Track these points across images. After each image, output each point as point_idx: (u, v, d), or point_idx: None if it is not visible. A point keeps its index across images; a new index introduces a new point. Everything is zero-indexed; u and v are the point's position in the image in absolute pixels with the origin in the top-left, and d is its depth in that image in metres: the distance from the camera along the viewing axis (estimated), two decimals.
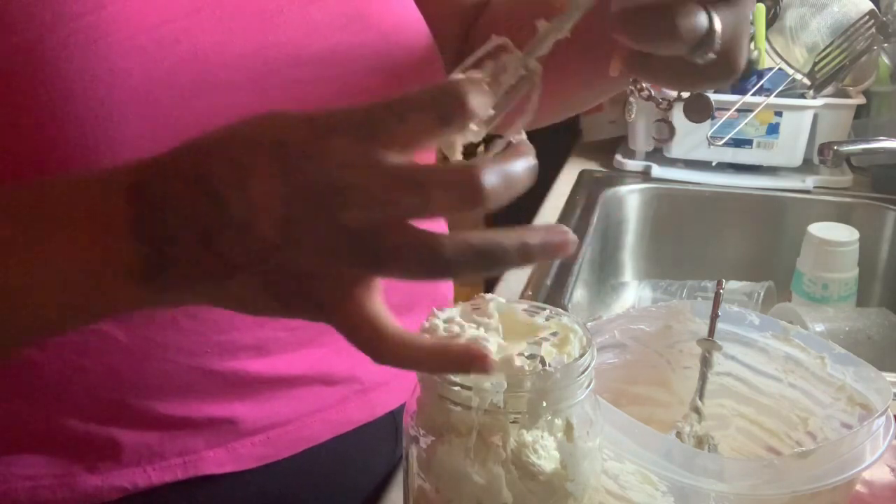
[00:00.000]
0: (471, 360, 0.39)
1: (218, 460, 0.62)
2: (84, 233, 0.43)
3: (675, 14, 0.48)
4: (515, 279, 1.11)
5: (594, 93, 0.71)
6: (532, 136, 0.76)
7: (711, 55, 0.50)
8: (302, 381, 0.64)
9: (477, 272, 0.39)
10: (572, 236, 0.40)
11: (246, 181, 0.39)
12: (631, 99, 1.33)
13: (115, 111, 0.51)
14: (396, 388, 0.69)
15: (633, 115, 1.39)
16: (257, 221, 0.39)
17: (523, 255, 0.39)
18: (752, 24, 1.40)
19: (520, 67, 0.45)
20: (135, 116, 0.52)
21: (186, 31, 0.54)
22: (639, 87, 0.64)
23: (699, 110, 0.64)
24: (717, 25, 0.50)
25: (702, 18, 0.50)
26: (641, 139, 1.48)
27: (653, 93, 0.64)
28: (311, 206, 0.38)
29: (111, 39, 0.51)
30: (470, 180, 0.38)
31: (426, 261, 0.38)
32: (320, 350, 0.64)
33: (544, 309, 0.51)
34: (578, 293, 1.20)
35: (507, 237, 0.39)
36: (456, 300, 0.55)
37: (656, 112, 1.44)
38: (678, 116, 1.41)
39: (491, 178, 0.38)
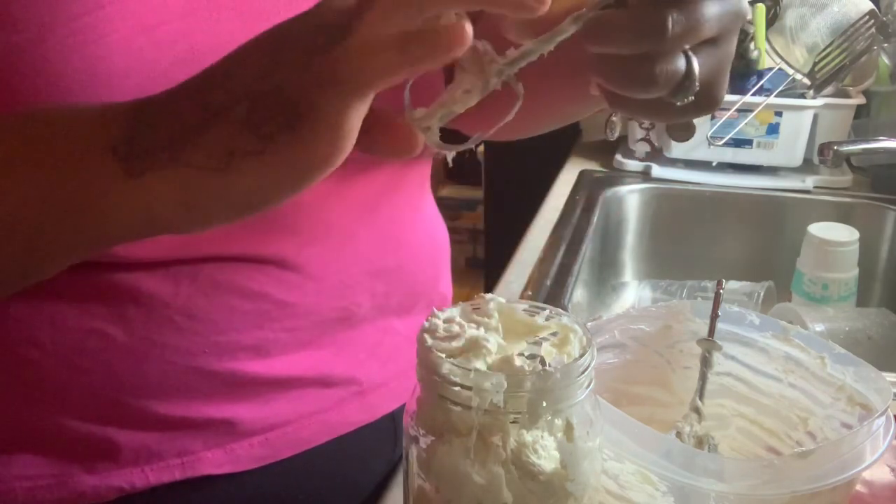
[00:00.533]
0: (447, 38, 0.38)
1: (216, 461, 0.62)
2: (82, 120, 0.45)
3: (653, 62, 0.47)
4: (516, 279, 1.11)
5: (580, 108, 0.72)
6: (532, 136, 0.77)
7: (690, 97, 0.49)
8: (301, 382, 0.64)
9: None
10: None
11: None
12: (614, 118, 1.34)
13: None
14: (395, 389, 0.69)
15: (615, 134, 1.40)
16: (241, 63, 0.41)
17: None
18: (752, 24, 1.40)
19: (498, 75, 0.46)
20: None
21: (183, 32, 0.54)
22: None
23: (683, 129, 0.64)
24: (696, 68, 0.48)
25: (680, 63, 0.48)
26: (640, 138, 1.48)
27: None
28: None
29: (109, 40, 0.51)
30: None
31: None
32: (319, 352, 0.64)
33: (544, 309, 0.51)
34: (578, 293, 1.20)
35: None
36: (456, 300, 0.55)
37: (639, 130, 1.45)
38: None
39: None
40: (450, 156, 0.47)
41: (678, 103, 0.50)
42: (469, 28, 0.38)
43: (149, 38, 0.53)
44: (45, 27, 0.50)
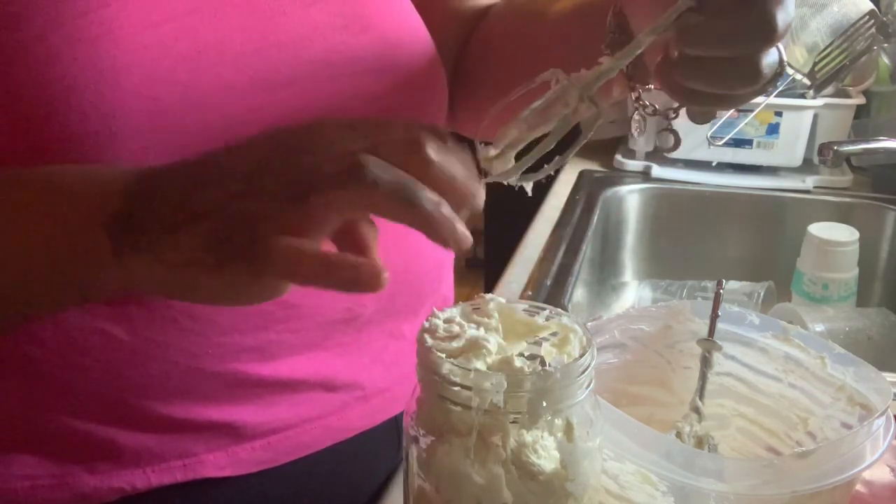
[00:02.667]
0: (356, 276, 0.42)
1: (217, 464, 0.62)
2: (80, 193, 0.48)
3: (760, 58, 0.50)
4: (516, 279, 1.11)
5: None
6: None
7: (779, 84, 0.52)
8: (303, 385, 0.64)
9: (392, 199, 0.42)
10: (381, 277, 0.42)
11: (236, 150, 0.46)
12: (636, 116, 1.34)
13: (118, 107, 0.52)
14: (399, 394, 0.69)
15: (641, 132, 1.40)
16: (229, 174, 0.44)
17: (430, 218, 0.42)
18: None
19: (576, 98, 0.49)
20: (137, 112, 0.52)
21: (188, 30, 0.54)
22: (642, 103, 0.64)
23: (705, 112, 0.65)
24: (784, 54, 0.51)
25: (775, 54, 0.51)
26: (641, 139, 1.48)
27: (658, 107, 0.64)
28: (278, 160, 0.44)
29: (114, 37, 0.51)
30: (416, 143, 0.42)
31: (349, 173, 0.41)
32: (323, 354, 0.64)
33: (544, 309, 0.51)
34: (578, 293, 1.20)
35: (425, 193, 0.42)
36: (456, 300, 0.55)
37: (659, 122, 1.44)
38: (679, 117, 1.41)
39: (435, 151, 0.42)
40: (528, 186, 0.51)
41: (769, 89, 0.53)
42: (385, 280, 0.42)
43: (154, 34, 0.53)
44: (52, 23, 0.51)
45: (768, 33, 0.49)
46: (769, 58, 0.51)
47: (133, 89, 0.52)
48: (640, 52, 0.52)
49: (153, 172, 0.47)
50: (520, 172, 0.49)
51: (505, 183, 0.51)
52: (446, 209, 0.42)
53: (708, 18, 0.50)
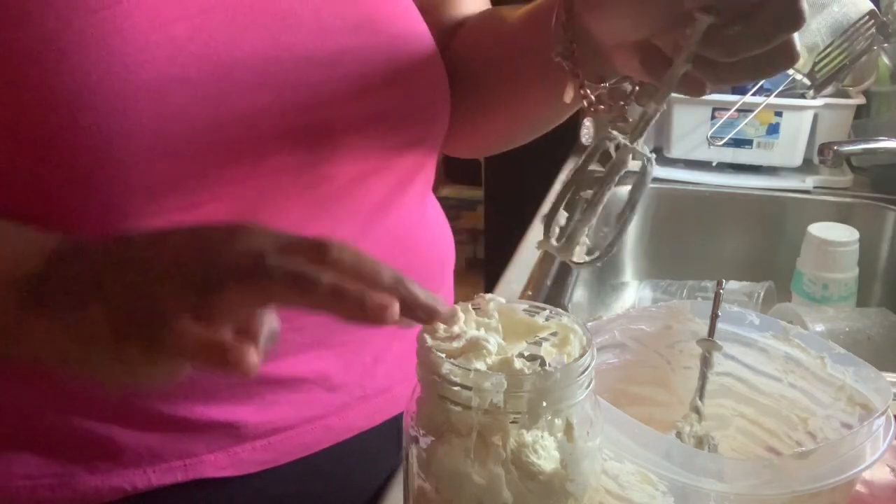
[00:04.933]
0: (223, 359, 0.42)
1: (218, 464, 0.62)
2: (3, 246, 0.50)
3: (791, 40, 0.51)
4: (516, 279, 1.11)
5: (552, 116, 0.73)
6: (513, 147, 0.78)
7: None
8: (304, 384, 0.64)
9: (289, 287, 0.43)
10: (393, 305, 0.43)
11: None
12: (587, 121, 1.34)
13: (129, 104, 0.52)
14: (399, 394, 0.69)
15: (590, 138, 1.40)
16: (143, 261, 0.46)
17: (334, 293, 0.42)
18: None
19: (629, 155, 0.54)
20: (147, 110, 0.52)
21: (199, 29, 0.54)
22: (595, 108, 0.65)
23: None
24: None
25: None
26: (642, 139, 1.48)
27: (612, 104, 0.65)
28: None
29: (126, 35, 0.52)
30: (321, 245, 0.44)
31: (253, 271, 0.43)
32: (324, 353, 0.64)
33: (544, 309, 0.51)
34: (578, 293, 1.20)
35: (324, 274, 0.43)
36: (456, 300, 0.55)
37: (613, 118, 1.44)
38: (679, 117, 1.41)
39: (342, 252, 0.44)
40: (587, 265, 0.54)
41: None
42: (256, 369, 0.42)
43: (165, 33, 0.53)
44: (64, 21, 0.51)
45: (796, 14, 0.50)
46: (795, 39, 0.52)
47: (144, 87, 0.52)
48: (669, 93, 0.53)
49: (73, 244, 0.48)
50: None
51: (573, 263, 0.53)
52: (349, 284, 0.42)
53: (734, 25, 0.51)
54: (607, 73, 0.62)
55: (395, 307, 0.42)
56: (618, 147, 0.53)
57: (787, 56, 0.52)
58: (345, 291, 0.42)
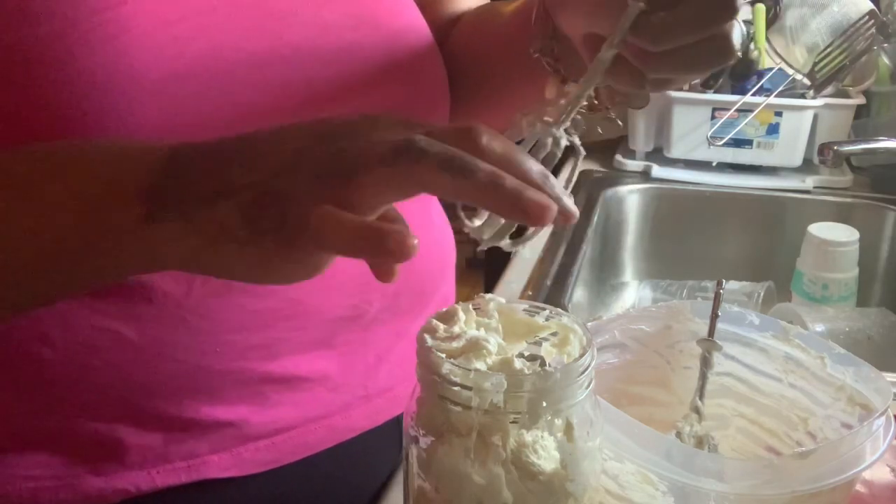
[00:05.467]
0: (379, 244, 0.39)
1: (222, 465, 0.62)
2: (117, 160, 0.47)
3: (727, 32, 0.51)
4: (516, 279, 1.11)
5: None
6: None
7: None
8: (307, 384, 0.64)
9: (443, 170, 0.39)
10: (552, 206, 0.40)
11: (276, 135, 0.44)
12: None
13: (134, 104, 0.52)
14: (401, 394, 0.69)
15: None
16: (270, 154, 0.43)
17: (491, 182, 0.39)
18: (752, 24, 1.40)
19: (551, 140, 0.50)
20: (152, 110, 0.53)
21: (203, 29, 0.55)
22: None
23: (643, 98, 0.66)
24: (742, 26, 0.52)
25: (737, 28, 0.52)
26: (641, 139, 1.48)
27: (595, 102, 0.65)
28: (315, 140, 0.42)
29: (130, 35, 0.52)
30: (469, 131, 0.40)
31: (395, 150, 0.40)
32: (327, 353, 0.64)
33: (544, 309, 0.51)
34: (578, 293, 1.20)
35: (479, 160, 0.39)
36: (456, 300, 0.55)
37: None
38: (679, 117, 1.41)
39: (491, 140, 0.40)
40: (515, 249, 0.50)
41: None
42: (415, 250, 0.40)
43: (170, 33, 0.53)
44: (68, 21, 0.51)
45: (727, 5, 0.49)
46: (735, 28, 0.51)
47: (149, 87, 0.52)
48: (605, 67, 0.52)
49: (190, 147, 0.46)
50: (507, 236, 0.49)
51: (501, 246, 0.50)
52: (508, 179, 0.39)
53: (665, 13, 0.50)
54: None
55: (553, 208, 0.39)
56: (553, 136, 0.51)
57: (721, 51, 0.51)
58: (503, 182, 0.39)
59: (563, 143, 0.50)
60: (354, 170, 0.40)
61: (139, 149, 0.47)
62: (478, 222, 0.48)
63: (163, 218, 0.44)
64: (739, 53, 0.55)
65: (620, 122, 0.60)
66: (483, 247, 0.48)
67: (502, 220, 0.48)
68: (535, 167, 0.41)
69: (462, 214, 0.47)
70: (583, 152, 0.51)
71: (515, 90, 0.72)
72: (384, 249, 0.39)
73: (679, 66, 0.53)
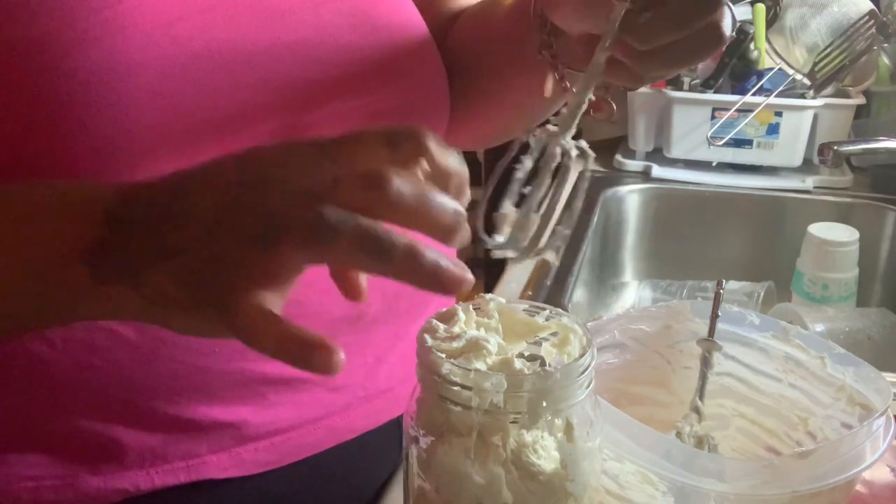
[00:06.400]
0: (310, 353, 0.39)
1: (221, 465, 0.62)
2: (60, 220, 0.46)
3: (718, 21, 0.51)
4: (516, 279, 1.11)
5: (545, 105, 0.74)
6: (503, 141, 0.79)
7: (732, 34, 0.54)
8: (306, 385, 0.64)
9: (356, 251, 0.39)
10: (468, 277, 0.40)
11: (206, 176, 0.43)
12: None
13: (131, 104, 0.52)
14: (401, 394, 0.69)
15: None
16: (200, 210, 0.42)
17: (409, 258, 0.39)
18: (752, 24, 1.40)
19: (560, 149, 0.51)
20: (149, 109, 0.53)
21: (201, 29, 0.55)
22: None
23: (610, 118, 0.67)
24: (733, 9, 0.52)
25: (728, 13, 0.52)
26: (641, 139, 1.48)
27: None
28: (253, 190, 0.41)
29: (127, 34, 0.52)
30: (379, 179, 0.39)
31: (314, 227, 0.39)
32: None
33: (544, 309, 0.51)
34: (578, 293, 1.20)
35: (400, 237, 0.39)
36: (456, 300, 0.55)
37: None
38: (679, 117, 1.41)
39: (402, 186, 0.39)
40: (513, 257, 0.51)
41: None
42: (337, 363, 0.39)
43: (167, 33, 0.53)
44: (65, 21, 0.51)
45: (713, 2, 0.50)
46: (726, 18, 0.52)
47: (146, 86, 0.52)
48: (600, 71, 0.53)
49: (133, 193, 0.45)
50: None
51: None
52: (424, 251, 0.39)
53: (650, 12, 0.51)
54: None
55: (469, 279, 0.39)
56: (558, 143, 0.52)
57: (713, 39, 0.52)
58: (419, 262, 0.39)
59: (574, 152, 0.51)
60: (276, 240, 0.39)
61: (81, 199, 0.46)
62: (500, 239, 0.49)
63: (107, 280, 0.44)
64: (733, 34, 0.56)
65: (616, 118, 0.61)
66: (516, 259, 0.50)
67: (525, 242, 0.50)
68: (448, 207, 0.40)
69: (484, 237, 0.49)
70: (592, 154, 0.52)
71: (514, 86, 0.72)
72: (309, 363, 0.39)
73: (673, 61, 0.53)
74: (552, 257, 0.52)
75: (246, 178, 0.42)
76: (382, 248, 0.38)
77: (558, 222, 0.51)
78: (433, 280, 0.39)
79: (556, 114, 0.56)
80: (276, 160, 0.42)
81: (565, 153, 0.51)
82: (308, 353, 0.39)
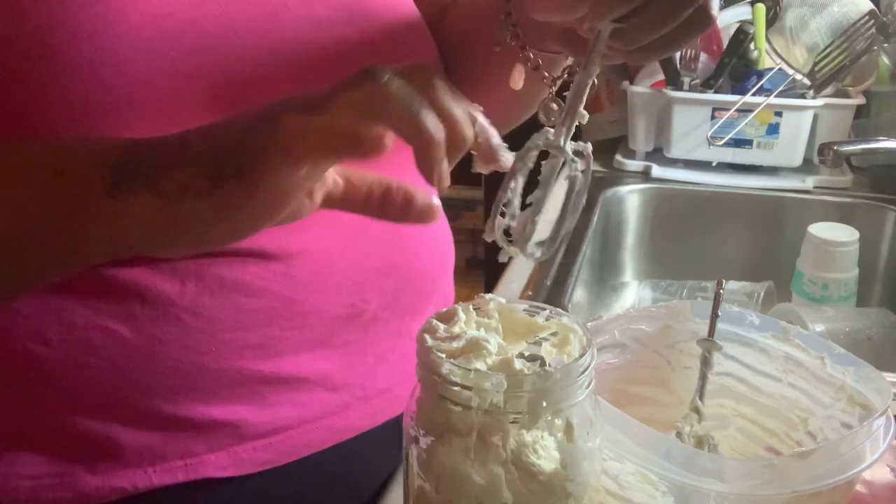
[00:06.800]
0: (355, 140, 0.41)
1: (219, 464, 0.62)
2: (82, 149, 0.49)
3: (706, 5, 0.51)
4: (516, 279, 1.11)
5: (534, 96, 0.74)
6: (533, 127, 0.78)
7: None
8: (306, 384, 0.64)
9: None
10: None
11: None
12: (553, 105, 1.37)
13: (122, 98, 0.52)
14: (400, 394, 0.69)
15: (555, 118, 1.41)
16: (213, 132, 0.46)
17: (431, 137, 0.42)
18: (752, 24, 1.40)
19: (560, 160, 0.51)
20: (140, 104, 0.53)
21: (192, 23, 0.54)
22: (548, 77, 0.66)
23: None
24: None
25: None
26: (641, 139, 1.48)
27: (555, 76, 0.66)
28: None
29: (119, 29, 0.52)
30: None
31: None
32: (326, 353, 0.64)
33: (544, 309, 0.51)
34: (578, 293, 1.20)
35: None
36: (456, 300, 0.55)
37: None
38: (679, 117, 1.41)
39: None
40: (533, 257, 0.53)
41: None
42: (388, 142, 0.42)
43: (158, 27, 0.53)
44: (56, 15, 0.51)
45: None
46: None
47: (138, 81, 0.52)
48: (586, 94, 0.53)
49: (149, 137, 0.48)
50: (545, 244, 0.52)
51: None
52: (441, 138, 0.42)
53: (633, 18, 0.51)
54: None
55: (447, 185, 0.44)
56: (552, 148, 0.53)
57: (700, 23, 0.52)
58: (436, 147, 0.42)
59: (579, 166, 0.51)
60: (315, 104, 0.43)
61: (101, 138, 0.50)
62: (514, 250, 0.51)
63: (129, 186, 0.45)
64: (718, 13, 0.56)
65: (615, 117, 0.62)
66: (535, 258, 0.52)
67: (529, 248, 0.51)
68: (465, 118, 0.44)
69: (501, 241, 0.51)
70: (591, 158, 0.52)
71: (499, 74, 0.71)
72: (357, 139, 0.41)
73: (661, 50, 0.54)
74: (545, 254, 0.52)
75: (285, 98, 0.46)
76: (421, 114, 0.42)
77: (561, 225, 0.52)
78: (434, 166, 0.42)
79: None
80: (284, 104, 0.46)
81: (568, 164, 0.51)
82: (356, 129, 0.41)
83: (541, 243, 0.52)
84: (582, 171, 0.51)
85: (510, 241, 0.51)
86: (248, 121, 0.45)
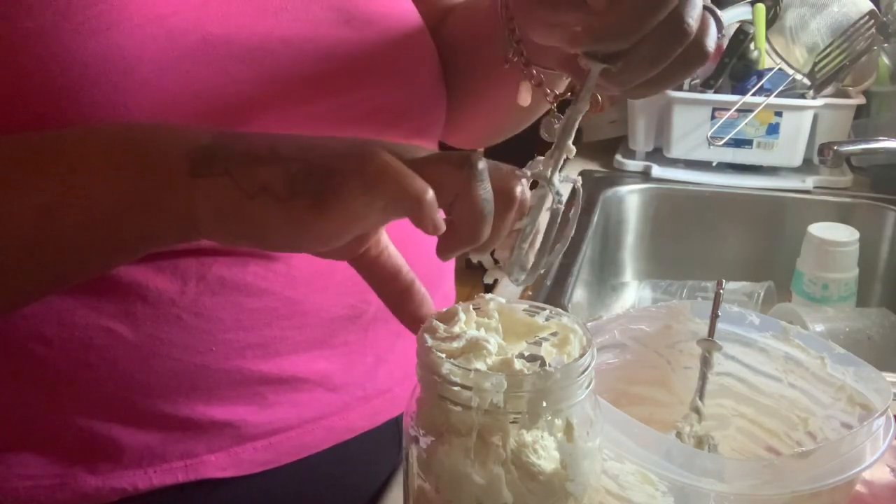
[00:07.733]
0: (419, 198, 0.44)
1: (219, 465, 0.62)
2: (166, 133, 0.49)
3: (702, 36, 0.51)
4: None
5: (510, 119, 0.74)
6: (533, 135, 0.79)
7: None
8: (306, 384, 0.64)
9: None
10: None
11: None
12: (553, 119, 1.38)
13: (128, 97, 0.52)
14: (399, 395, 0.69)
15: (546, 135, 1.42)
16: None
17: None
18: (752, 24, 1.40)
19: (549, 193, 0.53)
20: (145, 103, 0.53)
21: (196, 22, 0.55)
22: (551, 93, 0.67)
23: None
24: (720, 15, 0.52)
25: (709, 19, 0.52)
26: (641, 139, 1.48)
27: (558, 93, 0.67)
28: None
29: (123, 28, 0.52)
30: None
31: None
32: (326, 353, 0.64)
33: (544, 309, 0.51)
34: (578, 293, 1.20)
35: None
36: (456, 300, 0.55)
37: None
38: (679, 117, 1.41)
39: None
40: (517, 281, 0.55)
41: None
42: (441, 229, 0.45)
43: (162, 26, 0.53)
44: (61, 13, 0.51)
45: (684, 30, 0.50)
46: (708, 32, 0.52)
47: (142, 79, 0.52)
48: (575, 129, 0.54)
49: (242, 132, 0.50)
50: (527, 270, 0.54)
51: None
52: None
53: (623, 59, 0.51)
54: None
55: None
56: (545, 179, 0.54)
57: (695, 59, 0.52)
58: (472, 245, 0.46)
59: (564, 197, 0.52)
60: (371, 152, 0.44)
61: (183, 125, 0.51)
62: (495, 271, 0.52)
63: (208, 172, 0.46)
64: (721, 35, 0.57)
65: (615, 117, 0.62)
66: (518, 283, 0.54)
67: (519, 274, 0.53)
68: (487, 226, 0.46)
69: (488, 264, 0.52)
70: (580, 192, 0.53)
71: (499, 80, 0.71)
72: (429, 210, 0.44)
73: (656, 87, 0.54)
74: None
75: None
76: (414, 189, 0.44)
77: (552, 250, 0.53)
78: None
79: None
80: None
81: (555, 199, 0.52)
82: (432, 206, 0.44)
83: (523, 269, 0.53)
84: (569, 203, 0.52)
85: (497, 264, 0.52)
86: (344, 146, 0.46)
